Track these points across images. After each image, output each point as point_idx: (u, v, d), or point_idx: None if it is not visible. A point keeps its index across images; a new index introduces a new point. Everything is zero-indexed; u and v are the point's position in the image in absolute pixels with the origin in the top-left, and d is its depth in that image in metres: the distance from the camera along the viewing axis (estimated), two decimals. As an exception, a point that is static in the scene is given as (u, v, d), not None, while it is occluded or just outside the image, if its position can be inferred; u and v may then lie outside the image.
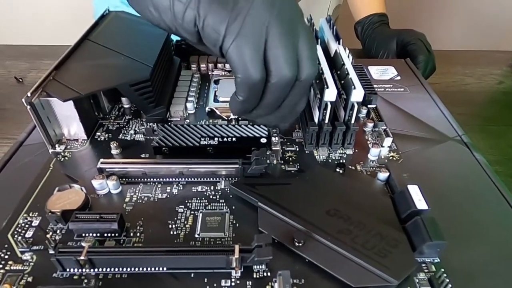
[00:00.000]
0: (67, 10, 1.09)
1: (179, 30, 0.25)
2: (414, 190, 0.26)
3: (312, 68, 0.26)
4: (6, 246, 0.24)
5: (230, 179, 0.30)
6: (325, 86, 0.30)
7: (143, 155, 0.32)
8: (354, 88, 0.30)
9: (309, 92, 0.29)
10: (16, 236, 0.25)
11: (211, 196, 0.28)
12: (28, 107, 0.29)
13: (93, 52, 0.36)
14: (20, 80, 0.59)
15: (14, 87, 0.58)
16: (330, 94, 0.30)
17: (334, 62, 0.35)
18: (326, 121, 0.31)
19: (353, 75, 0.31)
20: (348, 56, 0.34)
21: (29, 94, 0.29)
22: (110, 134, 0.34)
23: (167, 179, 0.30)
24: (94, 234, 0.25)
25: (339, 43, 0.36)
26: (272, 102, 0.27)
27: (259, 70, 0.24)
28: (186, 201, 0.28)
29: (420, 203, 0.26)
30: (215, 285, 0.22)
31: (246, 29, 0.23)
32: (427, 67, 0.52)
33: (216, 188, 0.29)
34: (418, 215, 0.25)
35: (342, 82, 0.32)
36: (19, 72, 0.61)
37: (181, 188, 0.29)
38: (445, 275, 0.23)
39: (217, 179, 0.30)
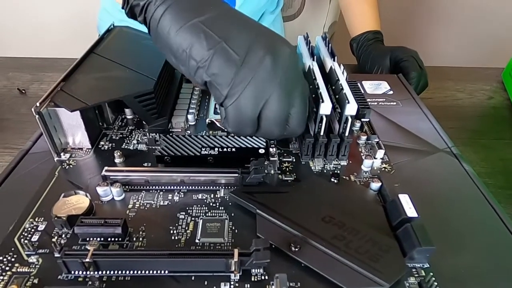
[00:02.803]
0: (69, 24, 1.11)
1: (192, 79, 0.28)
2: (404, 199, 0.28)
3: (297, 128, 0.30)
4: (12, 249, 0.25)
5: (229, 187, 0.31)
6: (321, 100, 0.31)
7: (145, 164, 0.33)
8: (348, 102, 0.31)
9: (303, 128, 0.31)
10: (22, 239, 0.26)
11: (211, 204, 0.30)
12: (37, 116, 0.30)
13: (99, 65, 0.37)
14: (23, 91, 0.60)
15: (17, 98, 0.59)
16: (325, 107, 0.31)
17: (329, 78, 0.36)
18: (322, 133, 0.33)
19: (347, 90, 0.33)
20: (343, 72, 0.36)
21: (38, 104, 0.30)
22: (113, 144, 0.36)
23: (169, 187, 0.31)
24: (98, 239, 0.26)
25: (334, 60, 0.38)
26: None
27: (249, 129, 0.28)
28: (187, 208, 0.29)
29: (411, 211, 0.27)
30: (214, 287, 0.23)
31: (246, 95, 0.26)
32: (419, 83, 0.54)
33: (216, 196, 0.30)
34: (409, 223, 0.26)
35: (337, 96, 0.34)
36: (22, 83, 0.62)
37: (182, 195, 0.30)
38: (433, 278, 0.24)
39: (217, 187, 0.31)
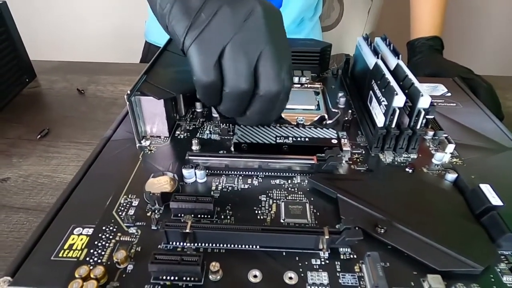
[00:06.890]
0: (117, 33, 1.18)
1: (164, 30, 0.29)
2: (486, 188, 0.28)
3: (271, 86, 0.28)
4: (113, 221, 0.27)
5: (304, 174, 0.32)
6: (395, 92, 0.32)
7: (220, 152, 0.35)
8: (422, 95, 0.32)
9: (283, 106, 0.31)
10: (120, 213, 0.28)
11: (289, 188, 0.31)
12: (127, 103, 0.33)
13: (174, 60, 0.40)
14: (82, 91, 0.64)
15: (77, 97, 0.63)
16: (399, 100, 0.32)
17: (396, 75, 0.37)
18: (393, 126, 0.34)
19: (418, 84, 0.34)
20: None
21: (129, 92, 0.33)
22: (188, 133, 0.38)
23: (247, 172, 0.32)
24: (189, 215, 0.27)
25: (398, 58, 0.39)
26: (229, 109, 0.30)
27: (209, 75, 0.27)
28: (267, 192, 0.30)
29: (495, 200, 0.27)
30: (306, 263, 0.24)
31: (203, 37, 0.27)
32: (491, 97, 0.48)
33: (293, 182, 0.31)
34: (493, 211, 0.26)
35: (406, 91, 0.35)
36: (80, 85, 0.66)
37: (261, 180, 0.31)
38: (526, 264, 0.24)
39: (293, 174, 0.32)
